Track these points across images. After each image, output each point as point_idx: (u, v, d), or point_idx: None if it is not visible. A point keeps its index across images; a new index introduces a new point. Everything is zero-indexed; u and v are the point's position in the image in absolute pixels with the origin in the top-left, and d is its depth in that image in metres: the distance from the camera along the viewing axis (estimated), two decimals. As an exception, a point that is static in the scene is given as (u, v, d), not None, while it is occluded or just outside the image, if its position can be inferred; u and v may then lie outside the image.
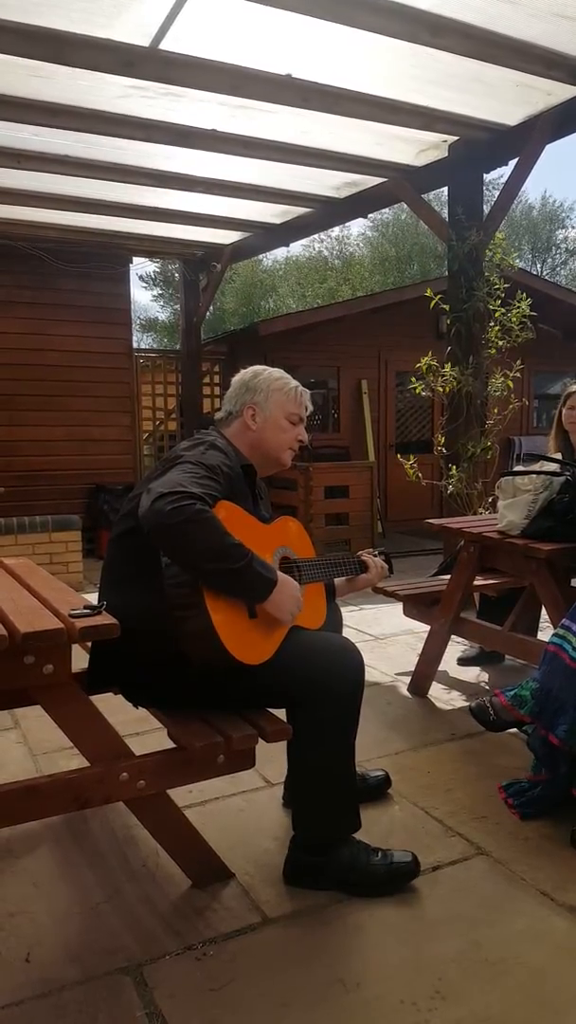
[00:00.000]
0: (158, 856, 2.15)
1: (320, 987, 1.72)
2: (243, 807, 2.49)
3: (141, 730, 2.62)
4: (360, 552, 2.51)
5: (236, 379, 2.28)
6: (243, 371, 2.29)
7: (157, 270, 26.48)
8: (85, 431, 7.84)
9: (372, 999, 1.68)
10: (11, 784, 1.85)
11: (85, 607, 1.86)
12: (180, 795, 2.23)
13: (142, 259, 8.52)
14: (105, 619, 1.80)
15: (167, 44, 3.75)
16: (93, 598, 2.03)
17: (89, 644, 2.08)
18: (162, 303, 28.85)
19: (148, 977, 1.75)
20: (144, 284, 27.74)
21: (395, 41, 3.62)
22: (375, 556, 2.49)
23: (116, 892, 2.06)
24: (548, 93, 4.27)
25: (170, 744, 2.02)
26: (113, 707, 2.13)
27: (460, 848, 2.26)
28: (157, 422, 8.94)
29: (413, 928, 1.91)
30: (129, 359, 8.19)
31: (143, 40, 3.72)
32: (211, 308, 12.04)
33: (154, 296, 29.27)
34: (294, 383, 2.27)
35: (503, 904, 2.00)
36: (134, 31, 3.64)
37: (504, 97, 4.33)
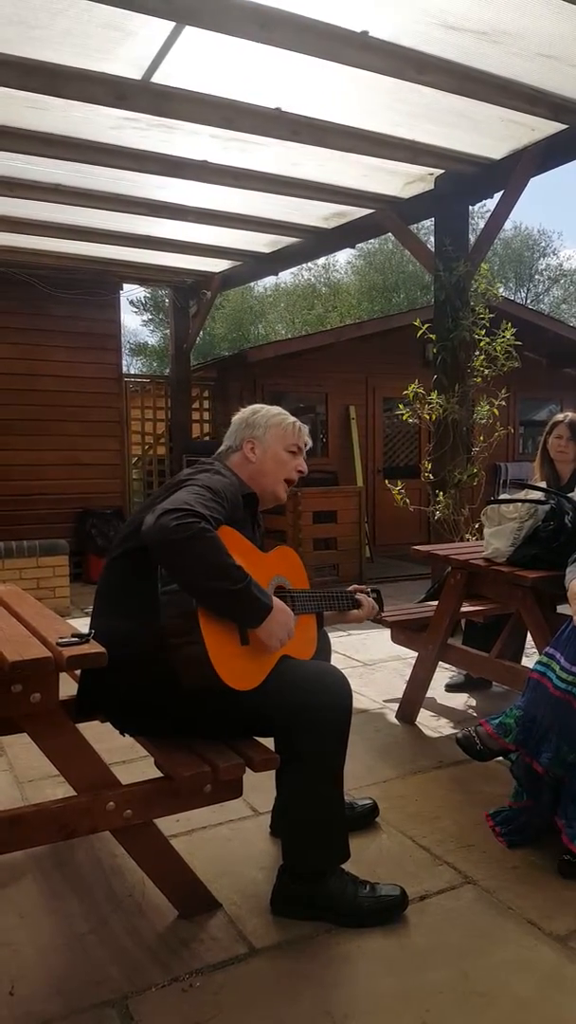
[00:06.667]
0: (144, 886, 2.13)
1: (307, 1019, 1.70)
2: (230, 836, 2.47)
3: (127, 758, 2.61)
4: (353, 587, 2.54)
5: (236, 417, 2.36)
6: (243, 409, 2.37)
7: (147, 295, 26.67)
8: (74, 455, 7.86)
9: (359, 1032, 1.67)
10: (-3, 813, 1.83)
11: (73, 635, 1.86)
12: (167, 824, 2.21)
13: (133, 285, 8.60)
14: (93, 648, 1.80)
15: (159, 78, 3.83)
16: (80, 623, 2.03)
17: (77, 672, 2.08)
18: (152, 328, 29.05)
19: (133, 1010, 1.73)
20: (134, 309, 27.93)
21: (382, 77, 3.72)
22: (368, 595, 2.52)
23: (102, 923, 2.04)
24: (532, 128, 4.38)
25: (157, 773, 2.01)
26: (100, 734, 2.12)
27: (448, 877, 2.25)
28: (146, 447, 8.97)
29: (401, 958, 1.90)
30: (119, 384, 8.24)
31: (136, 73, 3.80)
32: (201, 333, 12.12)
33: (144, 321, 29.52)
34: (292, 419, 2.35)
35: (491, 933, 2.00)
36: (127, 64, 3.72)
37: (489, 132, 4.44)
